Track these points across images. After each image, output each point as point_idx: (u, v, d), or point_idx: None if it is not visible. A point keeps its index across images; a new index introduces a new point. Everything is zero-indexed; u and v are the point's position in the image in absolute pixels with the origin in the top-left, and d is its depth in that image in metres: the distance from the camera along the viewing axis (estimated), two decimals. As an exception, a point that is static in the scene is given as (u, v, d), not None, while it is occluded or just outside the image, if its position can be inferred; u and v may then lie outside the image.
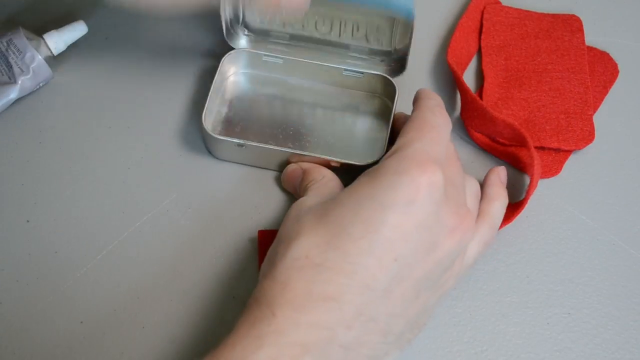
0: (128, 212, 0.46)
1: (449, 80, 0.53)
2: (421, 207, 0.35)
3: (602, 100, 0.52)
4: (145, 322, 0.42)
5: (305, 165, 0.46)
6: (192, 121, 0.50)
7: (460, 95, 0.50)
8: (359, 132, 0.49)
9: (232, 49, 0.50)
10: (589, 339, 0.42)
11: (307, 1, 0.43)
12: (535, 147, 0.48)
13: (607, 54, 0.54)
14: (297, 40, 0.51)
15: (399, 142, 0.38)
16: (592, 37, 0.55)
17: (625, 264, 0.45)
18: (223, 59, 0.49)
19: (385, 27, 0.49)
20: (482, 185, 0.44)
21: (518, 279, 0.44)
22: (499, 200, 0.43)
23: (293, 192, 0.46)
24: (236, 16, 0.51)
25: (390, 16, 0.48)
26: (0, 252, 0.44)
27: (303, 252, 0.35)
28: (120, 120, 0.50)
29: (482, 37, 0.55)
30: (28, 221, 0.46)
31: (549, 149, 0.49)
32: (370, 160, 0.45)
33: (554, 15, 0.56)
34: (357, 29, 0.50)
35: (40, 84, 0.51)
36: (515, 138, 0.47)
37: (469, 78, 0.53)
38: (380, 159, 0.44)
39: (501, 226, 0.44)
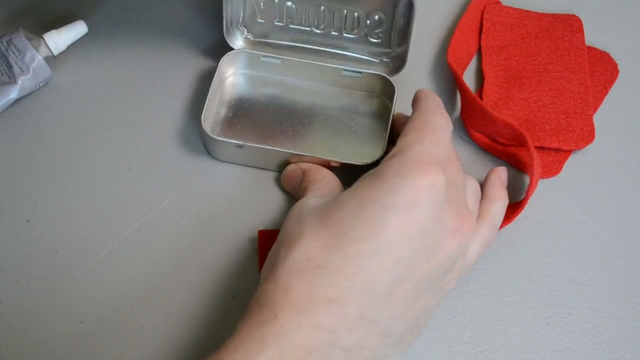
0: (128, 212, 0.46)
1: (449, 80, 0.53)
2: (423, 209, 0.35)
3: (602, 100, 0.52)
4: (145, 322, 0.42)
5: (305, 165, 0.46)
6: (192, 121, 0.50)
7: (460, 95, 0.50)
8: (358, 132, 0.49)
9: (231, 49, 0.50)
10: (589, 339, 0.42)
11: None
12: (535, 147, 0.48)
13: (607, 54, 0.54)
14: (296, 41, 0.51)
15: (400, 143, 0.38)
16: (592, 37, 0.55)
17: (625, 264, 0.45)
18: (222, 59, 0.49)
19: (386, 22, 0.49)
20: (483, 185, 0.43)
21: (518, 279, 0.44)
22: (500, 201, 0.43)
23: (293, 192, 0.46)
24: (237, 15, 0.51)
25: None
26: (0, 252, 0.44)
27: (304, 254, 0.35)
28: (120, 120, 0.50)
29: (482, 37, 0.55)
30: (28, 221, 0.46)
31: (549, 149, 0.49)
32: (369, 160, 0.45)
33: (554, 15, 0.56)
34: (357, 24, 0.50)
35: (40, 84, 0.51)
36: (515, 138, 0.47)
37: (469, 78, 0.53)
38: (380, 158, 0.45)
39: (501, 226, 0.44)
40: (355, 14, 0.50)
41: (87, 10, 0.55)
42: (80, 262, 0.44)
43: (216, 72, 0.49)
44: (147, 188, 0.47)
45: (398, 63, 0.50)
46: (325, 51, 0.51)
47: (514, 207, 0.45)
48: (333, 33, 0.51)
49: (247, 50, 0.50)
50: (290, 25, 0.51)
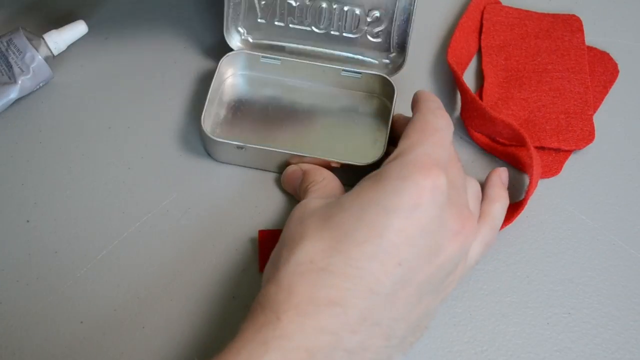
0: (128, 212, 0.46)
1: (449, 80, 0.53)
2: (425, 211, 0.35)
3: (602, 100, 0.52)
4: (145, 322, 0.42)
5: (305, 166, 0.46)
6: (192, 121, 0.50)
7: (460, 95, 0.50)
8: (358, 133, 0.49)
9: (231, 50, 0.50)
10: (589, 339, 0.42)
11: None
12: (536, 147, 0.48)
13: (607, 54, 0.54)
14: (296, 41, 0.51)
15: (402, 145, 0.38)
16: (592, 37, 0.55)
17: (625, 264, 0.45)
18: (221, 60, 0.49)
19: (386, 20, 0.50)
20: (483, 186, 0.44)
21: (518, 279, 0.44)
22: (500, 202, 0.43)
23: (293, 193, 0.46)
24: (237, 16, 0.51)
25: None
26: (0, 252, 0.44)
27: (307, 256, 0.35)
28: (120, 120, 0.50)
29: (482, 37, 0.55)
30: (28, 221, 0.46)
31: (549, 149, 0.49)
32: (370, 161, 0.45)
33: (554, 15, 0.56)
34: (358, 23, 0.50)
35: (40, 84, 0.51)
36: (515, 138, 0.47)
37: (469, 78, 0.53)
38: (380, 159, 0.45)
39: (502, 227, 0.44)
40: (356, 12, 0.50)
41: (87, 10, 0.55)
42: (80, 262, 0.44)
43: (216, 73, 0.49)
44: (147, 188, 0.47)
45: (398, 63, 0.50)
46: (325, 52, 0.51)
47: (514, 207, 0.45)
48: (333, 33, 0.51)
49: (246, 51, 0.50)
50: (290, 25, 0.51)
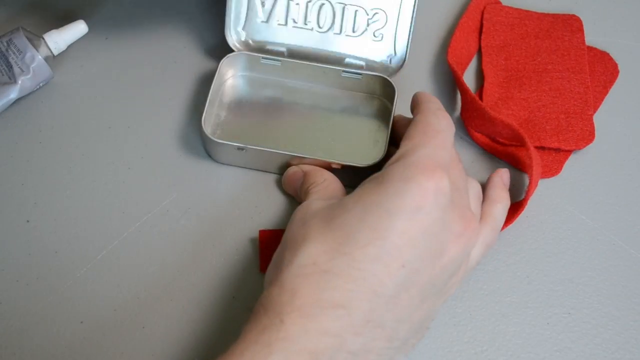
0: (128, 212, 0.46)
1: (449, 80, 0.53)
2: (428, 213, 0.35)
3: (602, 100, 0.52)
4: (145, 322, 0.42)
5: (306, 167, 0.46)
6: (192, 122, 0.50)
7: (461, 95, 0.50)
8: (358, 134, 0.49)
9: (231, 51, 0.50)
10: (589, 339, 0.42)
11: None
12: (536, 147, 0.48)
13: (607, 54, 0.54)
14: (298, 42, 0.51)
15: (404, 147, 0.38)
16: (592, 37, 0.55)
17: (625, 264, 0.45)
18: (221, 61, 0.49)
19: (387, 20, 0.50)
20: (485, 187, 0.44)
21: (518, 279, 0.44)
22: (502, 203, 0.43)
23: (294, 194, 0.46)
24: (238, 16, 0.51)
25: None
26: (0, 252, 0.44)
27: (310, 258, 0.35)
28: (120, 120, 0.50)
29: (482, 37, 0.55)
30: (28, 221, 0.46)
31: (549, 149, 0.49)
32: (371, 162, 0.45)
33: (554, 15, 0.56)
34: (359, 23, 0.50)
35: (40, 84, 0.51)
36: (514, 138, 0.47)
37: (469, 78, 0.53)
38: (381, 160, 0.45)
39: (502, 228, 0.44)
40: (357, 13, 0.50)
41: (87, 10, 0.55)
42: (80, 262, 0.44)
43: (216, 74, 0.49)
44: (147, 188, 0.47)
45: (398, 64, 0.50)
46: (326, 52, 0.51)
47: (514, 207, 0.45)
48: (334, 33, 0.51)
49: (246, 52, 0.50)
50: (292, 26, 0.51)
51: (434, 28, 0.56)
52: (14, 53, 0.49)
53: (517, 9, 0.56)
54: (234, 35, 0.51)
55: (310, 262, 0.35)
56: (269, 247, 0.43)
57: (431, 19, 0.56)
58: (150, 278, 0.43)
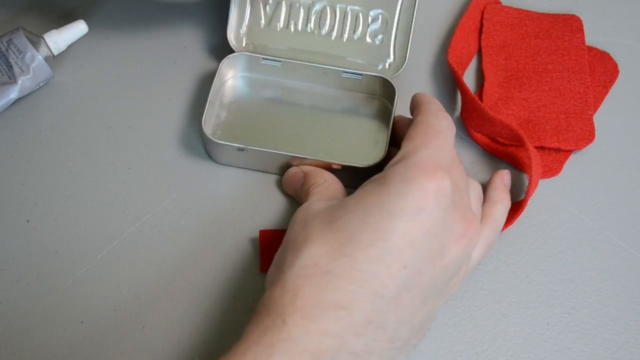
0: (128, 212, 0.46)
1: (449, 80, 0.53)
2: (429, 214, 0.35)
3: (602, 100, 0.52)
4: (145, 322, 0.42)
5: (307, 168, 0.46)
6: (192, 122, 0.50)
7: (461, 95, 0.50)
8: (359, 134, 0.49)
9: (232, 51, 0.50)
10: (589, 339, 0.42)
11: None
12: (536, 147, 0.48)
13: (607, 54, 0.54)
14: (298, 46, 0.51)
15: (405, 148, 0.38)
16: (592, 37, 0.55)
17: (625, 264, 0.45)
18: (222, 62, 0.49)
19: (387, 22, 0.50)
20: (486, 187, 0.44)
21: (518, 279, 0.44)
22: (502, 204, 0.43)
23: (294, 195, 0.46)
24: (241, 19, 0.51)
25: None
26: (0, 252, 0.44)
27: (312, 259, 0.35)
28: (120, 120, 0.50)
29: (483, 37, 0.55)
30: (28, 221, 0.46)
31: (549, 149, 0.49)
32: (371, 162, 0.45)
33: (554, 15, 0.56)
34: (359, 25, 0.51)
35: (40, 84, 0.50)
36: (514, 138, 0.47)
37: (469, 78, 0.53)
38: (382, 160, 0.45)
39: (503, 229, 0.44)
40: (358, 15, 0.50)
41: (87, 10, 0.55)
42: (80, 262, 0.44)
43: (216, 75, 0.49)
44: (147, 188, 0.47)
45: (398, 65, 0.50)
46: (326, 55, 0.51)
47: (514, 207, 0.45)
48: (334, 36, 0.51)
49: (246, 52, 0.50)
50: (293, 30, 0.51)
51: (434, 28, 0.56)
52: (14, 53, 0.49)
53: (517, 9, 0.56)
54: (235, 38, 0.51)
55: (312, 263, 0.35)
56: (270, 247, 0.43)
57: (431, 19, 0.56)
58: (150, 278, 0.43)
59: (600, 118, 0.51)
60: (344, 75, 0.50)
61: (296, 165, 0.46)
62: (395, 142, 0.46)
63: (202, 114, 0.46)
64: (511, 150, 0.48)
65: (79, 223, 0.45)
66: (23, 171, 0.48)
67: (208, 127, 0.48)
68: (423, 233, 0.35)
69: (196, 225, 0.45)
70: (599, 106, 0.51)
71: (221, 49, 0.52)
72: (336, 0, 0.51)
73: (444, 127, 0.39)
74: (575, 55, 0.53)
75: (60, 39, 0.51)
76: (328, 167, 0.46)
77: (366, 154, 0.47)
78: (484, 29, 0.55)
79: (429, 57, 0.54)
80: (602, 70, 0.53)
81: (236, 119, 0.49)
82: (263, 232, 0.45)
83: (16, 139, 0.49)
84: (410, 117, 0.44)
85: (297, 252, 0.36)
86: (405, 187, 0.35)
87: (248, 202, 0.46)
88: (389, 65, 0.51)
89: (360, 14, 0.51)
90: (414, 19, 0.50)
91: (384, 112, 0.50)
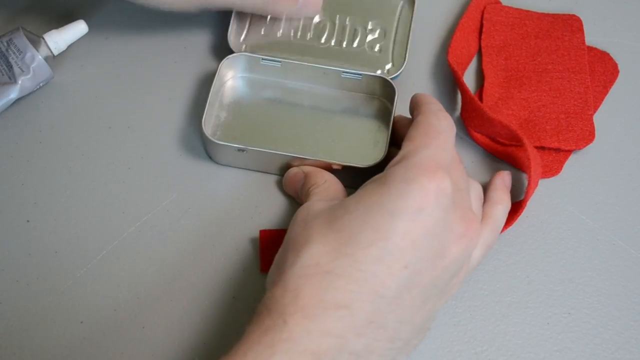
0: (128, 212, 0.46)
1: (449, 80, 0.53)
2: (430, 214, 0.35)
3: (602, 100, 0.52)
4: (145, 322, 0.42)
5: (307, 168, 0.46)
6: (192, 122, 0.50)
7: (461, 95, 0.50)
8: (359, 134, 0.49)
9: (231, 52, 0.51)
10: (589, 339, 0.42)
11: (321, 3, 0.51)
12: (536, 147, 0.48)
13: (607, 54, 0.54)
14: (298, 54, 0.52)
15: (406, 148, 0.38)
16: (592, 37, 0.55)
17: (625, 264, 0.45)
18: (221, 63, 0.49)
19: (386, 33, 0.51)
20: (486, 188, 0.44)
21: (518, 279, 0.44)
22: (503, 205, 0.43)
23: (295, 196, 0.46)
24: (242, 28, 0.52)
25: None
26: (0, 252, 0.44)
27: (313, 259, 0.35)
28: (120, 120, 0.50)
29: (483, 37, 0.55)
30: (28, 221, 0.46)
31: (549, 149, 0.49)
32: (371, 162, 0.45)
33: (554, 15, 0.56)
34: (358, 34, 0.52)
35: (40, 84, 0.50)
36: (514, 139, 0.47)
37: (469, 78, 0.53)
38: (382, 160, 0.45)
39: (502, 230, 0.44)
40: (356, 26, 0.52)
41: (87, 10, 0.55)
42: (80, 262, 0.44)
43: (216, 76, 0.49)
44: (147, 188, 0.47)
45: (397, 69, 0.51)
46: (325, 63, 0.51)
47: (514, 208, 0.45)
48: (334, 46, 0.52)
49: (246, 53, 0.50)
50: (292, 39, 0.52)
51: (434, 28, 0.56)
52: (14, 53, 0.49)
53: (517, 9, 0.56)
54: (235, 46, 0.52)
55: (313, 262, 0.35)
56: (270, 247, 0.43)
57: (431, 19, 0.56)
58: (150, 278, 0.43)
59: (600, 118, 0.51)
60: (344, 75, 0.50)
61: (296, 166, 0.46)
62: (396, 142, 0.46)
63: (202, 115, 0.46)
64: (511, 150, 0.48)
65: (79, 223, 0.45)
66: (23, 171, 0.48)
67: (208, 127, 0.48)
68: (424, 233, 0.35)
69: (196, 226, 0.45)
70: (599, 106, 0.51)
71: (221, 50, 0.52)
72: (334, 13, 0.53)
73: (444, 127, 0.39)
74: (575, 55, 0.53)
75: (60, 39, 0.51)
76: (328, 168, 0.46)
77: (366, 154, 0.47)
78: (484, 29, 0.55)
79: (429, 57, 0.54)
80: (602, 70, 0.53)
81: (236, 120, 0.49)
82: (263, 232, 0.45)
83: (16, 139, 0.49)
84: (410, 117, 0.44)
85: (298, 252, 0.36)
86: (405, 187, 0.35)
87: (248, 203, 0.46)
88: (388, 72, 0.51)
89: (359, 26, 0.52)
90: (411, 29, 0.52)
91: (384, 113, 0.50)
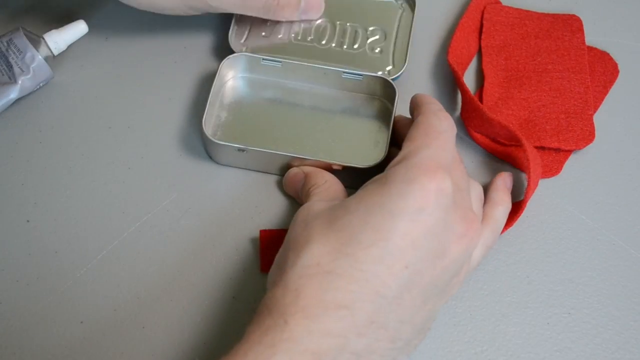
0: (128, 212, 0.46)
1: (449, 81, 0.53)
2: (431, 214, 0.35)
3: (602, 100, 0.52)
4: (145, 322, 0.42)
5: (307, 169, 0.46)
6: (192, 122, 0.50)
7: (461, 95, 0.51)
8: (359, 135, 0.49)
9: (232, 52, 0.51)
10: (589, 339, 0.42)
11: (323, 6, 0.52)
12: (536, 147, 0.48)
13: (607, 54, 0.54)
14: (298, 56, 0.52)
15: (406, 148, 0.38)
16: (592, 37, 0.55)
17: (625, 264, 0.45)
18: (222, 63, 0.49)
19: (386, 36, 0.52)
20: (487, 189, 0.44)
21: (518, 279, 0.44)
22: (503, 205, 0.43)
23: (295, 196, 0.46)
24: (243, 30, 0.52)
25: None
26: (0, 252, 0.44)
27: (314, 259, 0.35)
28: (120, 120, 0.50)
29: (483, 37, 0.55)
30: (28, 221, 0.46)
31: (549, 149, 0.49)
32: (372, 163, 0.45)
33: (554, 15, 0.56)
34: (359, 36, 0.52)
35: (40, 84, 0.51)
36: (513, 139, 0.47)
37: (469, 78, 0.53)
38: (382, 161, 0.45)
39: (502, 230, 0.44)
40: (357, 29, 0.52)
41: (87, 10, 0.55)
42: (80, 262, 0.44)
43: (216, 76, 0.49)
44: (147, 188, 0.47)
45: (397, 71, 0.51)
46: (326, 64, 0.51)
47: (514, 208, 0.45)
48: (334, 48, 0.52)
49: (247, 53, 0.50)
50: (293, 41, 0.52)
51: (434, 28, 0.56)
52: (14, 53, 0.49)
53: (517, 9, 0.56)
54: (236, 47, 0.52)
55: (313, 262, 0.35)
56: (270, 247, 0.43)
57: (431, 19, 0.56)
58: (150, 278, 0.43)
59: (600, 118, 0.51)
60: (345, 75, 0.50)
61: (297, 166, 0.46)
62: (396, 142, 0.46)
63: (203, 115, 0.46)
64: (511, 150, 0.48)
65: (79, 223, 0.45)
66: (23, 171, 0.48)
67: (208, 127, 0.48)
68: (424, 233, 0.35)
69: (196, 225, 0.45)
70: (599, 106, 0.51)
71: (221, 50, 0.52)
72: (335, 17, 0.53)
73: (444, 127, 0.39)
74: (575, 55, 0.53)
75: (60, 39, 0.51)
76: (328, 168, 0.46)
77: (367, 154, 0.47)
78: (484, 29, 0.55)
79: (429, 57, 0.54)
80: (602, 70, 0.53)
81: (236, 120, 0.49)
82: (263, 232, 0.45)
83: (16, 139, 0.49)
84: (410, 117, 0.44)
85: (299, 252, 0.36)
86: (406, 187, 0.35)
87: (248, 202, 0.46)
88: (389, 73, 0.51)
89: (360, 28, 0.53)
90: (411, 32, 0.52)
91: (385, 113, 0.50)
